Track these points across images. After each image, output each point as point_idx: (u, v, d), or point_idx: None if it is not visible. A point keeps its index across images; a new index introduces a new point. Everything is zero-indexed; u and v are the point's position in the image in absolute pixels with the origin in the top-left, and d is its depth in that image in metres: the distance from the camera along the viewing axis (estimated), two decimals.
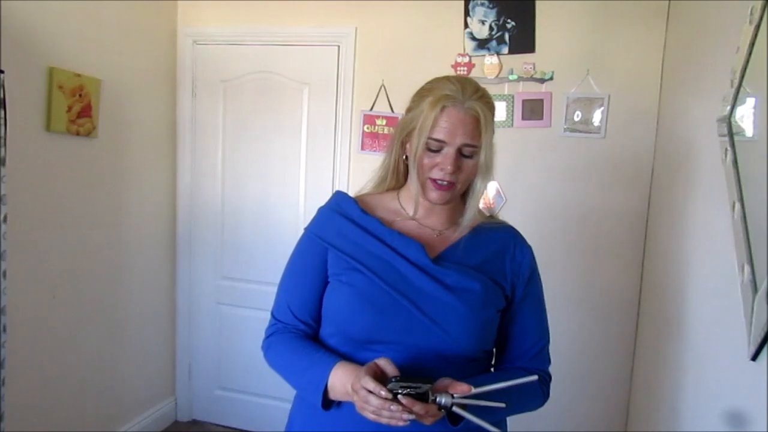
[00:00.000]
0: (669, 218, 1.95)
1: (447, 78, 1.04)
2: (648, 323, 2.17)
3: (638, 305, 2.33)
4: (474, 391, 0.89)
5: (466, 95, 0.99)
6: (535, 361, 1.13)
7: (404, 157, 1.11)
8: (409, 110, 1.07)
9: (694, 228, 1.62)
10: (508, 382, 0.93)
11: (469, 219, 1.09)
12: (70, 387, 2.28)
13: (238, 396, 2.87)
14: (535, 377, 0.95)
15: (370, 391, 0.87)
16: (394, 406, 0.85)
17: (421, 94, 1.05)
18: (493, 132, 1.03)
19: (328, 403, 1.00)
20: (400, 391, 0.86)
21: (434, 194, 1.04)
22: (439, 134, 0.99)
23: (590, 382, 2.41)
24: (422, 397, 0.87)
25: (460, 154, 1.01)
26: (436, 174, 1.02)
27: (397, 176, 1.14)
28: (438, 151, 1.01)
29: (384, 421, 0.87)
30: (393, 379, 0.88)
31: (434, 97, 1.00)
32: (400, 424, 0.87)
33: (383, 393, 0.86)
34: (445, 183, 1.02)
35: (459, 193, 1.07)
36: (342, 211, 1.11)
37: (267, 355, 1.13)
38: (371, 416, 0.88)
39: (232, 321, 2.84)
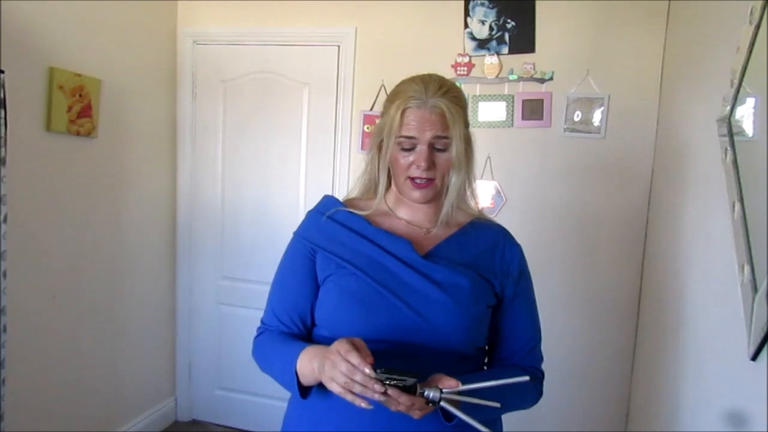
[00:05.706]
0: (669, 218, 1.95)
1: (412, 79, 1.07)
2: (648, 323, 2.17)
3: (638, 305, 2.33)
4: (461, 387, 0.88)
5: (429, 93, 1.02)
6: (527, 358, 1.13)
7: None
8: (381, 116, 1.10)
9: (694, 228, 1.62)
10: (498, 380, 0.92)
11: (445, 214, 1.10)
12: (70, 387, 2.27)
13: (238, 396, 2.88)
14: (526, 378, 0.94)
15: (354, 366, 0.85)
16: (378, 386, 0.84)
17: (389, 99, 1.08)
18: (466, 126, 1.06)
19: (305, 391, 1.00)
20: (387, 382, 0.85)
21: (415, 194, 1.06)
22: (407, 131, 1.02)
23: (590, 382, 2.41)
24: (409, 390, 0.86)
25: (433, 149, 1.03)
26: (413, 172, 1.04)
27: (380, 181, 1.15)
28: (411, 149, 1.03)
29: (349, 397, 0.85)
30: (377, 370, 0.85)
31: (400, 100, 1.03)
32: (363, 405, 0.85)
33: (367, 371, 0.84)
34: (423, 181, 1.05)
35: (440, 190, 1.09)
36: (330, 213, 1.13)
37: (254, 357, 1.16)
38: (337, 389, 0.86)
39: (232, 321, 2.84)
